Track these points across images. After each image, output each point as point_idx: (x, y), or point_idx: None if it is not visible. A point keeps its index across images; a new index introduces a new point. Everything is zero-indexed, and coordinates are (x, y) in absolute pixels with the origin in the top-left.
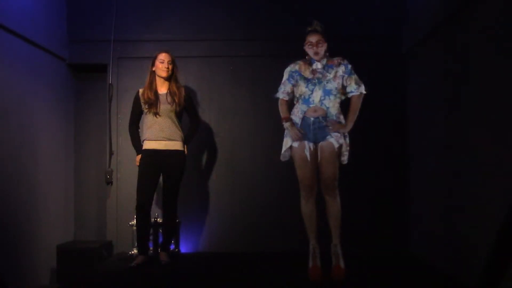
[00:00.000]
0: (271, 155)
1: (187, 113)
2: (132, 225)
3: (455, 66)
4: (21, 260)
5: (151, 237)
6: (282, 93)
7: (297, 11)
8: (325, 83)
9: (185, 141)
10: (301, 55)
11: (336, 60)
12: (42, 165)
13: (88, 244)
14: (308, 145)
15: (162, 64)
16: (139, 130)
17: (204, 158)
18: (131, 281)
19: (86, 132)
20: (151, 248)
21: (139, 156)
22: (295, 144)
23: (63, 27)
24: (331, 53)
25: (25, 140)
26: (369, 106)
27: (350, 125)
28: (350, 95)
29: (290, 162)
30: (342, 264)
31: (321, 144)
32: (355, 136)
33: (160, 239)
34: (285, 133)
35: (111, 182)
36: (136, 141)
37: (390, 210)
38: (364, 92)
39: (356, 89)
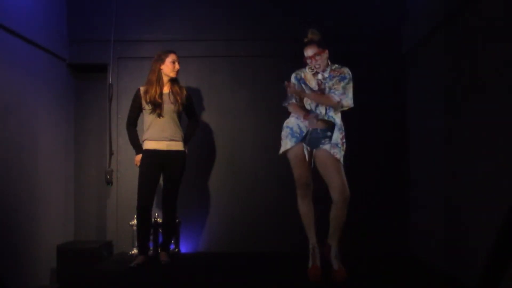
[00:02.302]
0: (271, 155)
1: (186, 113)
2: (132, 225)
3: (455, 66)
4: (21, 260)
5: (151, 237)
6: (290, 99)
7: (297, 11)
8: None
9: (184, 141)
10: (301, 55)
11: (337, 71)
12: (42, 165)
13: (88, 244)
14: (305, 146)
15: (173, 64)
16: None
17: (204, 158)
18: (131, 281)
19: (86, 132)
20: (151, 248)
21: (139, 156)
22: (291, 145)
23: (63, 27)
24: (331, 54)
25: (25, 140)
26: (369, 106)
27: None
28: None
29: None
30: (341, 266)
31: (315, 152)
32: (354, 136)
33: (160, 239)
34: (283, 135)
35: (111, 182)
36: (136, 141)
37: (390, 210)
38: (345, 105)
39: (339, 95)
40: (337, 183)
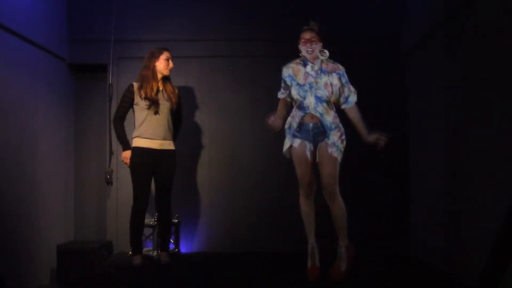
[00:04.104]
0: (271, 155)
1: (174, 112)
2: None
3: (455, 66)
4: (21, 260)
5: (151, 237)
6: (281, 93)
7: (297, 11)
8: (316, 89)
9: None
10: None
11: (330, 66)
12: (42, 165)
13: (88, 244)
14: (308, 145)
15: (167, 62)
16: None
17: (204, 158)
18: (131, 281)
19: (86, 132)
20: (150, 248)
21: (128, 152)
22: (296, 144)
23: (63, 27)
24: (331, 54)
25: (25, 140)
26: (369, 106)
27: (366, 131)
28: (348, 105)
29: (290, 162)
30: (342, 266)
31: (320, 144)
32: (355, 136)
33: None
34: (285, 133)
35: (111, 182)
36: (125, 137)
37: (390, 211)
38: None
39: (354, 100)
40: (323, 177)
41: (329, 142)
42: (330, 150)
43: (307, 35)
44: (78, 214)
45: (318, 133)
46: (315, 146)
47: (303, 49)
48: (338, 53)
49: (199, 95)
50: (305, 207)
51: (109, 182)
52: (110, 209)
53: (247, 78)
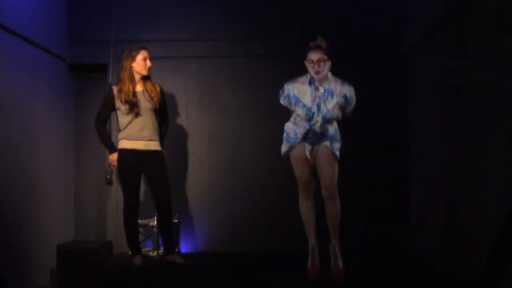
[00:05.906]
0: (271, 155)
1: (158, 111)
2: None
3: (455, 66)
4: (21, 260)
5: (151, 237)
6: (283, 102)
7: (298, 11)
8: (325, 112)
9: (161, 142)
10: (301, 55)
11: (339, 88)
12: (42, 165)
13: (88, 244)
14: (307, 145)
15: (144, 61)
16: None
17: (204, 158)
18: (132, 281)
19: (86, 132)
20: (150, 248)
21: (115, 155)
22: (285, 149)
23: (63, 27)
24: (332, 55)
25: (25, 140)
26: (369, 106)
27: None
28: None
29: (290, 162)
30: (340, 264)
31: (317, 146)
32: (355, 136)
33: (161, 241)
34: (283, 137)
35: (111, 182)
36: (109, 140)
37: (390, 211)
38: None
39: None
40: (323, 178)
41: (328, 145)
42: (329, 151)
43: (314, 56)
44: (78, 214)
45: (317, 136)
46: (312, 147)
47: (311, 70)
48: (339, 53)
49: (199, 95)
50: (304, 208)
51: (109, 182)
52: (110, 209)
53: (247, 78)
